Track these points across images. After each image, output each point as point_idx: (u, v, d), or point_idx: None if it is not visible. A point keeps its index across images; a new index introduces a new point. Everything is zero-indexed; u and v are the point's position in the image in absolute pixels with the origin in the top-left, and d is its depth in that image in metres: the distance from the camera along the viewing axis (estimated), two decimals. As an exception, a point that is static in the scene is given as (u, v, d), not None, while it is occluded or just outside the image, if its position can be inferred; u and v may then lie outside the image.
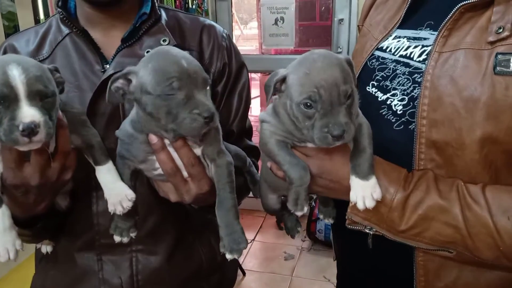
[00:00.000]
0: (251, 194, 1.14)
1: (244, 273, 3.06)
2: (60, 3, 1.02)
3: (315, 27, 4.11)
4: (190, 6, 3.19)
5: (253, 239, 3.53)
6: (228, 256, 0.84)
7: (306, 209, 0.85)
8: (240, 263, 3.07)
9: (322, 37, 3.90)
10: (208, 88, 0.82)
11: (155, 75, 0.77)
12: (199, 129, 0.78)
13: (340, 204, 0.94)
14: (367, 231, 0.87)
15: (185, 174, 0.86)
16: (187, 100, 0.76)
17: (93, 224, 0.97)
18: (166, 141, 0.84)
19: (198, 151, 0.86)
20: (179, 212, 1.02)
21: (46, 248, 1.05)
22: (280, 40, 3.43)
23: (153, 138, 0.82)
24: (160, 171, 0.86)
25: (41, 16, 2.10)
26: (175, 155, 0.84)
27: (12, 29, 1.93)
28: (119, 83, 0.79)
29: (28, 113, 0.69)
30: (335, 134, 0.74)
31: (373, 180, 0.80)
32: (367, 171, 0.80)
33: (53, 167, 0.81)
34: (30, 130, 0.69)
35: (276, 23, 3.39)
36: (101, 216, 0.96)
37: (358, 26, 1.21)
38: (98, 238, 0.99)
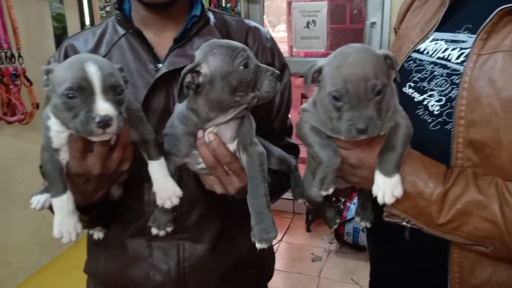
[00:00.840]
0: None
1: (271, 272, 3.08)
2: (116, 6, 1.09)
3: (346, 30, 4.11)
4: (224, 5, 3.25)
5: (281, 240, 3.53)
6: (258, 245, 0.85)
7: (331, 190, 0.86)
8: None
9: (353, 40, 3.89)
10: None
11: (226, 55, 0.83)
12: (276, 87, 0.87)
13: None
14: (404, 224, 0.88)
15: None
16: (258, 67, 0.85)
17: (144, 212, 1.02)
18: (206, 139, 0.89)
19: (233, 146, 0.90)
20: (223, 204, 1.06)
21: (98, 234, 1.11)
22: (312, 43, 3.43)
23: (200, 133, 0.88)
24: (203, 165, 0.91)
25: (87, 18, 2.19)
26: None
27: (61, 30, 2.01)
28: (189, 77, 0.83)
29: (104, 106, 0.76)
30: (358, 127, 0.76)
31: (396, 178, 0.82)
32: (391, 169, 0.81)
33: (113, 158, 0.87)
34: (105, 123, 0.75)
35: (307, 26, 3.40)
36: (152, 205, 1.00)
37: (394, 29, 1.23)
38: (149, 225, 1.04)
